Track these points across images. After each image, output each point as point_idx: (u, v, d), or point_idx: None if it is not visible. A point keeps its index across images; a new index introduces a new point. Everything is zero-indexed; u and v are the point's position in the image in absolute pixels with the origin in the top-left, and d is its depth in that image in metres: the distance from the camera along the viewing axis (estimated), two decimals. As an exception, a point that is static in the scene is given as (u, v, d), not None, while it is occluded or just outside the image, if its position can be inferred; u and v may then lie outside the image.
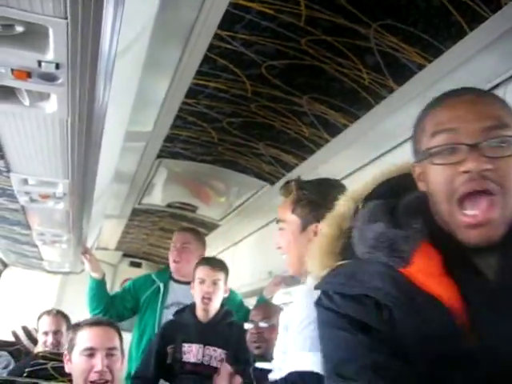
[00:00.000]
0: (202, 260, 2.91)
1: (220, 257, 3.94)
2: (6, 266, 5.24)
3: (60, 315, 3.71)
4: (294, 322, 1.60)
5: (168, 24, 1.63)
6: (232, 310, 2.91)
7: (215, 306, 2.77)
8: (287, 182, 1.83)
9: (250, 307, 3.48)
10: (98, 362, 1.91)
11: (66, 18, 0.97)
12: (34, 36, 1.05)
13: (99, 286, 3.40)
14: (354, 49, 1.63)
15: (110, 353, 1.97)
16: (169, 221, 4.22)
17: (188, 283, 3.34)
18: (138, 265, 6.13)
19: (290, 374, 1.53)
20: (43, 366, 2.36)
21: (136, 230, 4.78)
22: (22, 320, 4.93)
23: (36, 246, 3.60)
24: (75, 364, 1.97)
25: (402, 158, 2.08)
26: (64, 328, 3.88)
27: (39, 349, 3.68)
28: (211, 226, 4.06)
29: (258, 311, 2.69)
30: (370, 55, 1.62)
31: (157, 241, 5.09)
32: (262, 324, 2.51)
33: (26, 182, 2.02)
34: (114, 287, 5.66)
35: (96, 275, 3.39)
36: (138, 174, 3.10)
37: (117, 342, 2.04)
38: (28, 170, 1.91)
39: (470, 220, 0.92)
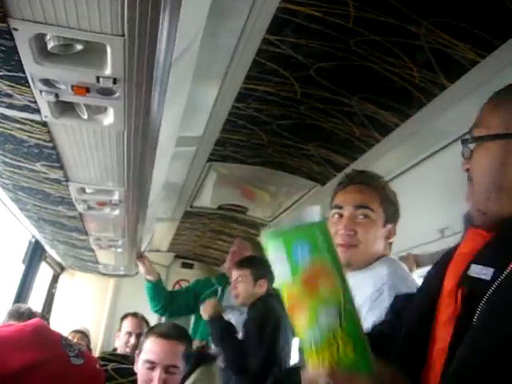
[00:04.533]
0: None
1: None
2: (63, 269, 5.38)
3: (143, 320, 4.00)
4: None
5: (217, 31, 1.66)
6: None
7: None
8: (373, 174, 1.89)
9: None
10: (156, 378, 1.93)
11: (123, 36, 1.00)
12: (92, 53, 1.09)
13: (155, 288, 3.58)
14: (404, 47, 1.61)
15: (169, 370, 1.97)
16: (219, 222, 4.25)
17: None
18: (190, 266, 6.20)
19: None
20: (104, 368, 2.37)
21: (187, 232, 4.84)
22: (80, 321, 5.09)
23: (92, 251, 3.70)
24: (138, 369, 2.01)
25: (454, 156, 2.06)
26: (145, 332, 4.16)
27: (120, 346, 3.96)
28: (262, 227, 4.08)
29: None
30: (421, 53, 1.60)
31: (208, 242, 5.14)
32: None
33: (83, 190, 2.09)
34: (166, 288, 5.76)
35: (151, 278, 3.55)
36: (189, 178, 3.14)
37: (179, 360, 2.02)
38: (85, 179, 1.97)
39: None
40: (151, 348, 1.99)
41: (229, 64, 1.84)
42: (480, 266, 1.00)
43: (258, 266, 3.02)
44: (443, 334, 1.02)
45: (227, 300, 3.49)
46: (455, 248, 1.15)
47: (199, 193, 3.48)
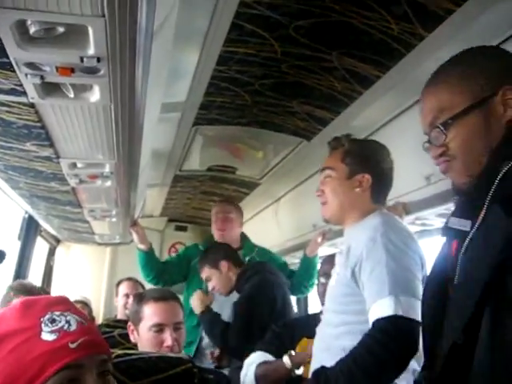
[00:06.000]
0: None
1: (263, 214, 4.09)
2: (59, 242, 5.42)
3: (138, 282, 4.12)
4: (363, 266, 1.74)
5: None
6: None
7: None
8: (337, 137, 2.01)
9: (296, 260, 3.59)
10: (168, 338, 1.99)
11: (104, 16, 1.01)
12: (74, 34, 1.11)
13: (147, 256, 3.65)
14: (380, 0, 1.62)
15: (177, 327, 2.04)
16: (210, 184, 4.29)
17: None
18: (184, 228, 6.26)
19: (378, 321, 1.65)
20: (110, 334, 2.38)
21: (179, 196, 4.87)
22: (80, 291, 5.16)
23: (87, 222, 3.73)
24: (143, 337, 2.04)
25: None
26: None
27: (119, 310, 4.06)
28: (252, 186, 4.12)
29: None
30: (397, 5, 1.61)
31: (199, 204, 5.18)
32: None
33: (74, 165, 2.11)
34: (162, 252, 5.85)
35: (143, 247, 3.62)
36: (177, 143, 3.16)
37: (182, 316, 2.11)
38: (76, 154, 1.99)
39: None
40: (155, 312, 2.04)
41: (208, 28, 1.84)
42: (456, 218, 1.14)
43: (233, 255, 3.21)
44: None
45: None
46: None
47: (187, 156, 3.50)
